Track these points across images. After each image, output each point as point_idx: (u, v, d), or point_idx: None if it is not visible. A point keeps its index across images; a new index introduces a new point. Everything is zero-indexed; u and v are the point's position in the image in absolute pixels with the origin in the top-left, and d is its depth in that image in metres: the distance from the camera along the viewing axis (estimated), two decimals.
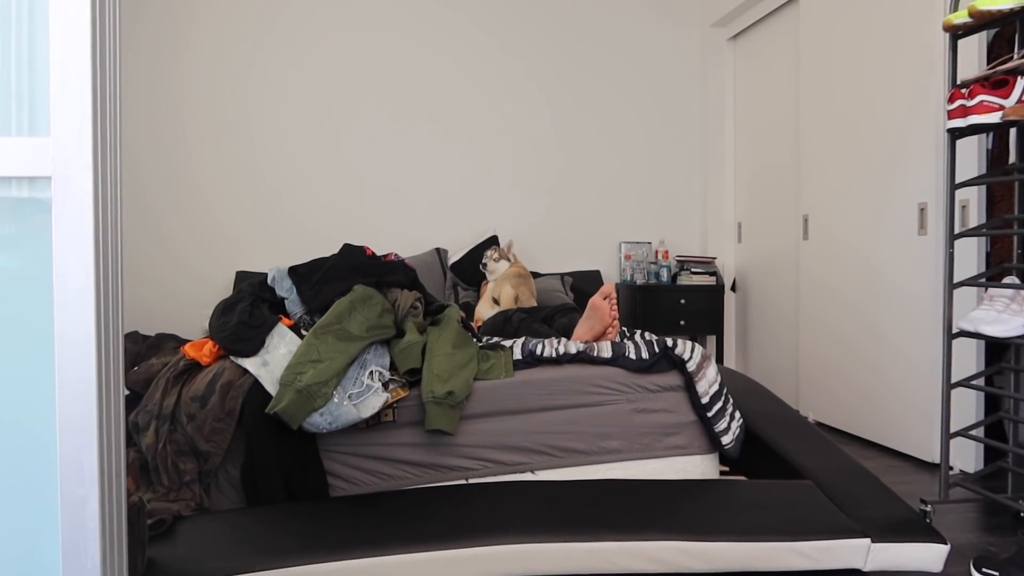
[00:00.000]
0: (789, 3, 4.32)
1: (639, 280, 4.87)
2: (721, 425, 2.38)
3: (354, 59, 4.63)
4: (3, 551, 0.90)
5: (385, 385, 2.21)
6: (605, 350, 2.45)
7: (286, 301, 2.55)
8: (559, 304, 3.62)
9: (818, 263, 3.94)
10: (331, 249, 4.28)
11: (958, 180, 2.64)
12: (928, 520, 2.35)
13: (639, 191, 5.04)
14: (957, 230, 2.70)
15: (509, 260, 4.06)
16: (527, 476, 2.30)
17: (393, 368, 2.29)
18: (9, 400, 0.90)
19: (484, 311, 3.74)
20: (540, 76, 4.88)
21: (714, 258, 4.90)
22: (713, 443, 2.42)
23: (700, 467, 2.42)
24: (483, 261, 4.14)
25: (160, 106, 4.41)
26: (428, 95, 4.74)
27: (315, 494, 2.15)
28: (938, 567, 1.93)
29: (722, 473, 2.55)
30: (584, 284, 4.54)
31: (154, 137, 4.41)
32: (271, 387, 2.14)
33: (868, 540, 1.89)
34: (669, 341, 2.47)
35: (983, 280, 2.54)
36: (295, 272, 2.59)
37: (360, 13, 4.64)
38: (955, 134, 2.49)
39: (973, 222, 2.94)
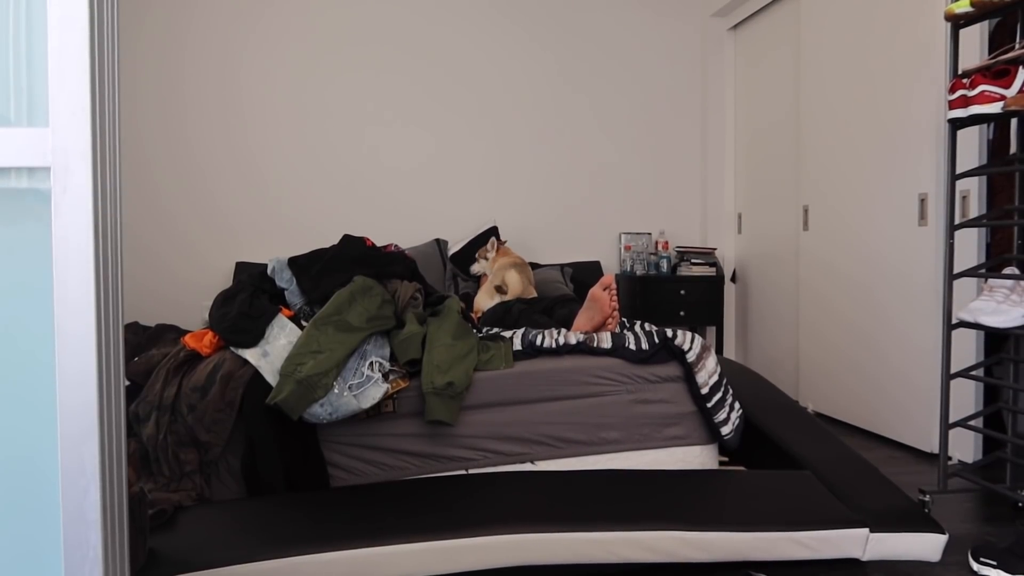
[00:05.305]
0: None
1: (639, 271, 4.86)
2: (721, 415, 2.39)
3: (354, 51, 4.62)
4: (4, 541, 0.91)
5: (385, 376, 2.21)
6: (605, 341, 2.45)
7: (286, 292, 2.55)
8: (559, 295, 3.62)
9: (818, 254, 3.94)
10: (331, 240, 4.28)
11: (959, 170, 2.63)
12: (926, 510, 2.36)
13: (639, 182, 5.03)
14: (957, 221, 2.69)
15: (487, 258, 4.10)
16: (527, 467, 2.30)
17: (393, 359, 2.30)
18: (9, 391, 0.90)
19: (483, 302, 3.73)
20: (540, 66, 4.87)
21: (714, 249, 4.89)
22: (712, 433, 2.42)
23: (699, 457, 2.43)
24: (473, 269, 4.21)
25: (165, 98, 4.39)
26: (427, 87, 4.72)
27: (315, 484, 2.15)
28: (936, 557, 1.94)
29: (721, 463, 2.56)
30: (584, 275, 4.53)
31: (155, 128, 4.39)
32: (271, 378, 2.15)
33: (866, 530, 1.90)
34: (669, 332, 2.47)
35: (983, 271, 2.54)
36: (295, 263, 2.59)
37: (360, 9, 4.62)
38: (956, 124, 2.48)
39: (973, 213, 2.94)
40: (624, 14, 4.97)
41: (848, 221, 3.68)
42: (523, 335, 2.51)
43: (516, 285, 3.69)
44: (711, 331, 4.96)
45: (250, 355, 2.20)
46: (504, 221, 4.81)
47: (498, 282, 3.76)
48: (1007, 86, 2.26)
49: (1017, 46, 2.41)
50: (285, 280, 2.55)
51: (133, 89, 4.36)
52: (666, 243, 4.88)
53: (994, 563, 1.94)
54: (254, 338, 2.24)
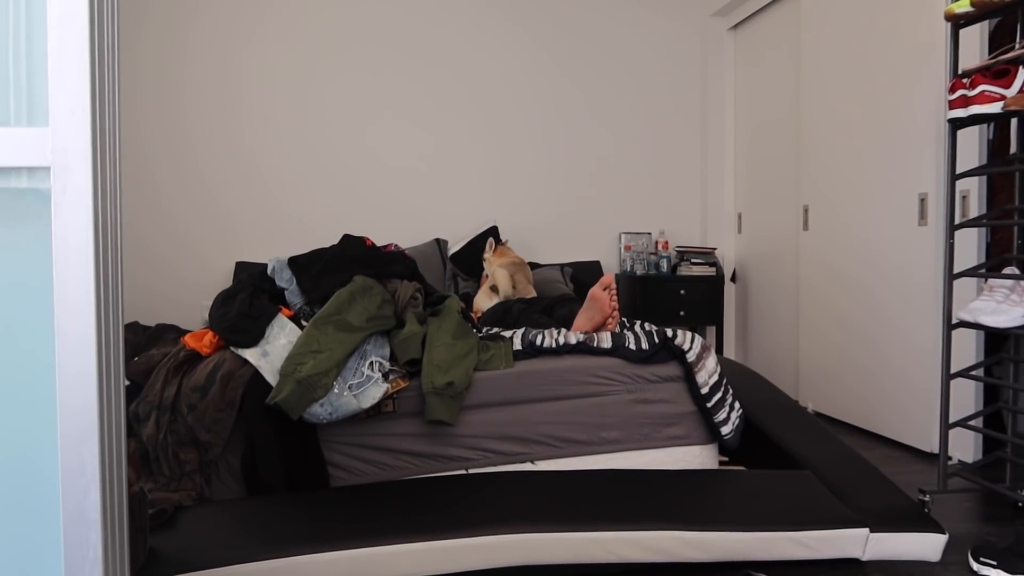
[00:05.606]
0: None
1: (639, 271, 4.86)
2: (720, 415, 2.39)
3: (354, 51, 4.61)
4: (4, 541, 0.91)
5: (385, 376, 2.21)
6: (605, 341, 2.45)
7: (286, 292, 2.55)
8: (559, 295, 3.62)
9: (818, 254, 3.94)
10: (331, 239, 4.28)
11: (959, 170, 2.63)
12: (926, 510, 2.36)
13: (639, 181, 5.03)
14: (957, 221, 2.69)
15: (485, 259, 4.11)
16: (527, 466, 2.30)
17: (393, 359, 2.30)
18: (9, 391, 0.90)
19: (483, 302, 3.74)
20: (540, 65, 4.87)
21: (714, 249, 4.89)
22: (712, 433, 2.42)
23: (699, 457, 2.43)
24: (485, 272, 4.24)
25: (165, 98, 4.39)
26: (427, 86, 4.72)
27: (315, 484, 2.15)
28: (936, 557, 1.94)
29: (721, 463, 2.56)
30: (584, 275, 4.53)
31: (155, 128, 4.39)
32: (271, 378, 2.15)
33: (866, 530, 1.90)
34: (669, 332, 2.47)
35: (983, 271, 2.54)
36: (295, 263, 2.58)
37: (360, 9, 4.62)
38: (956, 124, 2.48)
39: (973, 212, 2.94)
40: (624, 14, 4.97)
41: (848, 221, 3.68)
42: (523, 335, 2.51)
43: (504, 282, 3.69)
44: (711, 331, 4.96)
45: (250, 355, 2.20)
46: (504, 221, 4.81)
47: (493, 282, 3.78)
48: (1007, 86, 2.26)
49: (1017, 46, 2.41)
50: (285, 280, 2.55)
51: (133, 89, 4.36)
52: (666, 243, 4.88)
53: (994, 563, 1.94)
54: (254, 338, 2.24)
